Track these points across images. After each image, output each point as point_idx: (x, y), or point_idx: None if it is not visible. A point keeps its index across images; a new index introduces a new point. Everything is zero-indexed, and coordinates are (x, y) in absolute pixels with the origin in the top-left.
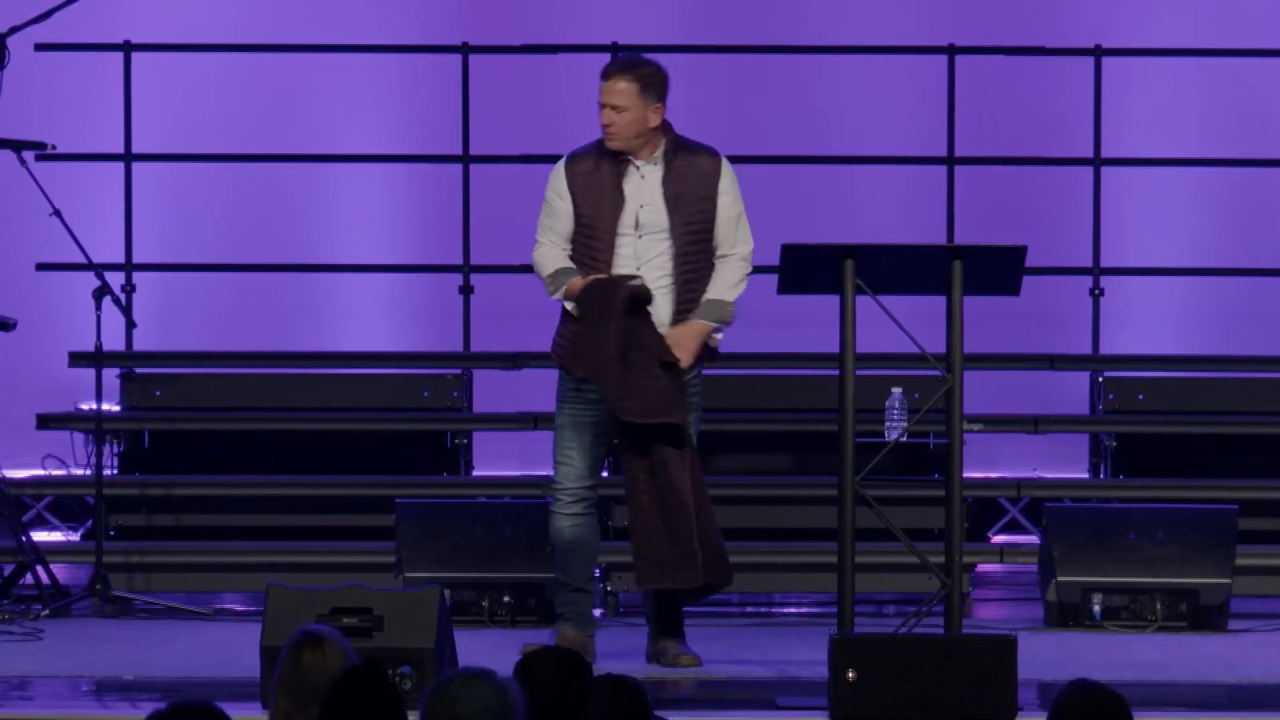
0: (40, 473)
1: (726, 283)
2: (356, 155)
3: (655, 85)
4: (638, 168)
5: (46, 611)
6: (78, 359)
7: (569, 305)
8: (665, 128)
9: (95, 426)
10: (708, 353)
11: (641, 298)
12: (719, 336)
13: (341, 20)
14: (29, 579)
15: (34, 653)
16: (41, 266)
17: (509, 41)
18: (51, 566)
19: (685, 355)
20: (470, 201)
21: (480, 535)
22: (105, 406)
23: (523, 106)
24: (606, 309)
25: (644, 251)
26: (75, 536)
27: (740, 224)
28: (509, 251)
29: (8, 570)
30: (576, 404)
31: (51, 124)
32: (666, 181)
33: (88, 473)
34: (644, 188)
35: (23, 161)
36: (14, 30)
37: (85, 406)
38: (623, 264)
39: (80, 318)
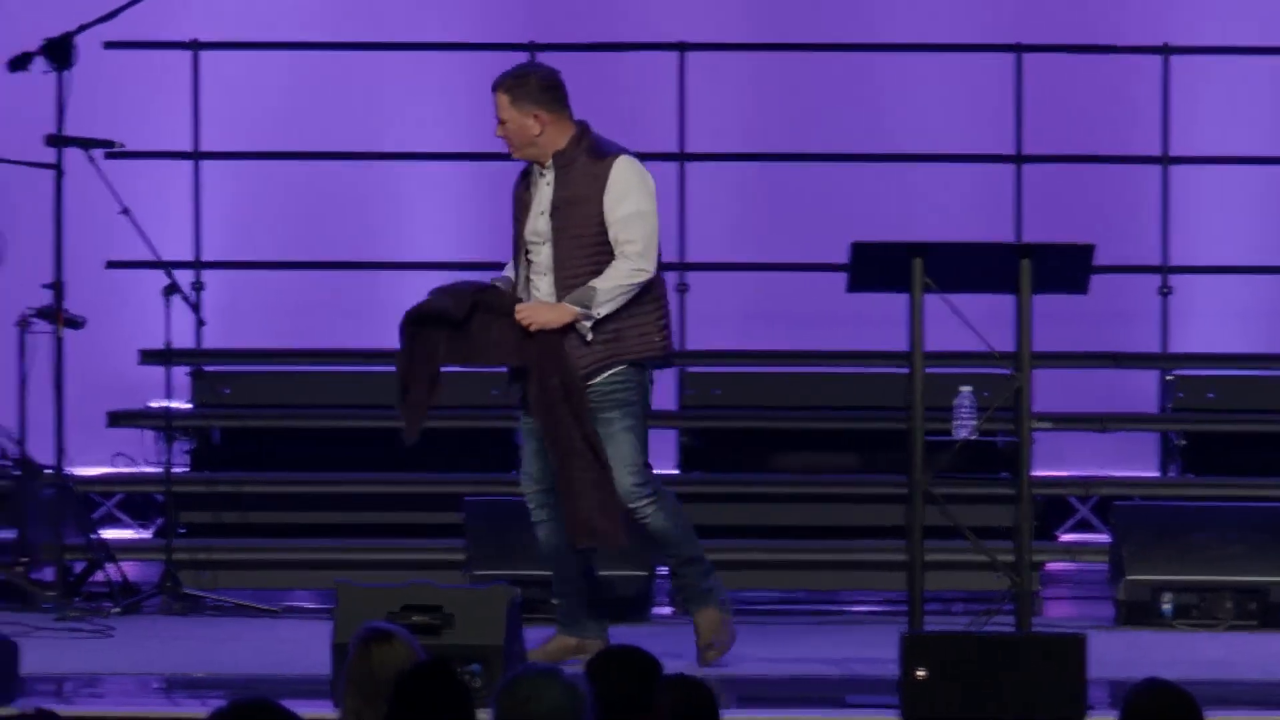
0: (110, 470)
1: (606, 275)
2: (423, 153)
3: (528, 94)
4: (543, 175)
5: (117, 609)
6: (148, 356)
7: None
8: (574, 130)
9: (164, 424)
10: (633, 353)
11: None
12: (586, 324)
13: (408, 18)
14: (99, 576)
15: (104, 650)
16: (111, 264)
17: (576, 40)
18: (121, 564)
19: (525, 315)
20: None
21: None
22: (175, 404)
23: (590, 105)
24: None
25: (546, 257)
26: (145, 534)
27: (630, 223)
28: None
29: (78, 568)
30: (526, 412)
31: (120, 122)
32: (557, 188)
33: (157, 470)
34: (543, 196)
35: (91, 160)
36: (82, 28)
37: (155, 404)
38: (535, 271)
39: (149, 315)
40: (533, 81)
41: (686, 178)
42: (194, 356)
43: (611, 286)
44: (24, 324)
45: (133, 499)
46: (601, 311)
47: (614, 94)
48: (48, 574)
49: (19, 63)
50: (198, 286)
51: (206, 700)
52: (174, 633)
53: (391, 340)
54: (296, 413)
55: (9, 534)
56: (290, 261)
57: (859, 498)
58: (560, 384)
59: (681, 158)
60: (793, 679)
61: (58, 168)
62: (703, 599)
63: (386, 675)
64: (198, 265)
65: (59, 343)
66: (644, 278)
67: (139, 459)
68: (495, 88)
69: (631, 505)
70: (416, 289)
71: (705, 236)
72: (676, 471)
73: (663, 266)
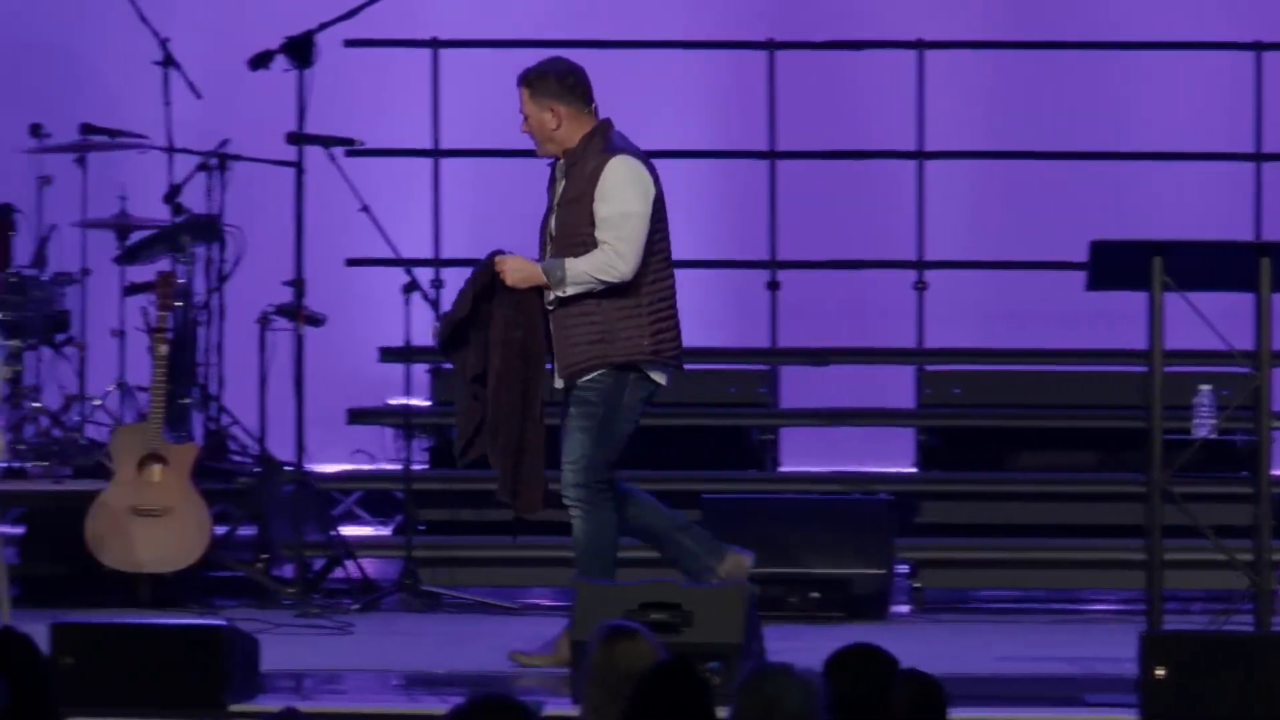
0: (350, 467)
1: (583, 257)
2: (663, 151)
3: (546, 88)
4: (562, 174)
5: (356, 605)
6: (387, 354)
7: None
8: (589, 128)
9: (404, 422)
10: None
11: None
12: (550, 295)
13: (648, 16)
14: (339, 573)
15: (344, 646)
16: (351, 262)
17: (814, 38)
18: (361, 561)
19: (499, 262)
20: (777, 197)
21: (787, 530)
22: (414, 401)
23: (828, 102)
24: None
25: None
26: (385, 531)
27: (609, 224)
28: (815, 247)
29: (318, 564)
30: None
31: (359, 119)
32: (565, 187)
33: (397, 467)
34: (556, 194)
35: (331, 157)
36: (323, 27)
37: (394, 402)
38: None
39: (389, 313)
40: (552, 76)
41: (925, 175)
42: (434, 354)
43: (580, 270)
44: (265, 321)
45: (372, 496)
46: (567, 290)
47: (852, 92)
48: (288, 570)
49: (260, 61)
50: (437, 284)
51: (445, 697)
52: (413, 629)
53: None
54: None
55: (250, 530)
56: None
57: (1097, 496)
58: (521, 340)
59: (920, 156)
60: (1031, 677)
61: (298, 165)
62: None
63: (631, 672)
64: (437, 263)
65: (299, 340)
66: (616, 277)
67: (379, 456)
68: (519, 82)
69: (564, 500)
70: None
71: (943, 234)
72: (915, 470)
73: (892, 264)
